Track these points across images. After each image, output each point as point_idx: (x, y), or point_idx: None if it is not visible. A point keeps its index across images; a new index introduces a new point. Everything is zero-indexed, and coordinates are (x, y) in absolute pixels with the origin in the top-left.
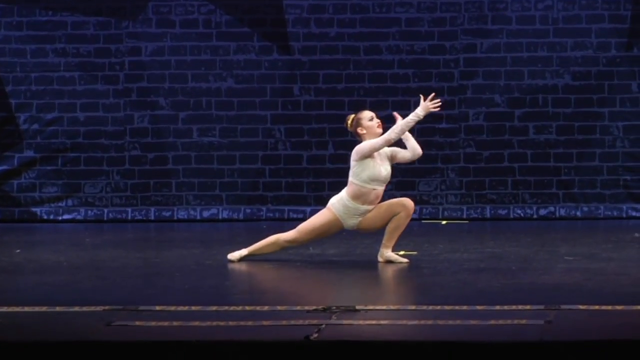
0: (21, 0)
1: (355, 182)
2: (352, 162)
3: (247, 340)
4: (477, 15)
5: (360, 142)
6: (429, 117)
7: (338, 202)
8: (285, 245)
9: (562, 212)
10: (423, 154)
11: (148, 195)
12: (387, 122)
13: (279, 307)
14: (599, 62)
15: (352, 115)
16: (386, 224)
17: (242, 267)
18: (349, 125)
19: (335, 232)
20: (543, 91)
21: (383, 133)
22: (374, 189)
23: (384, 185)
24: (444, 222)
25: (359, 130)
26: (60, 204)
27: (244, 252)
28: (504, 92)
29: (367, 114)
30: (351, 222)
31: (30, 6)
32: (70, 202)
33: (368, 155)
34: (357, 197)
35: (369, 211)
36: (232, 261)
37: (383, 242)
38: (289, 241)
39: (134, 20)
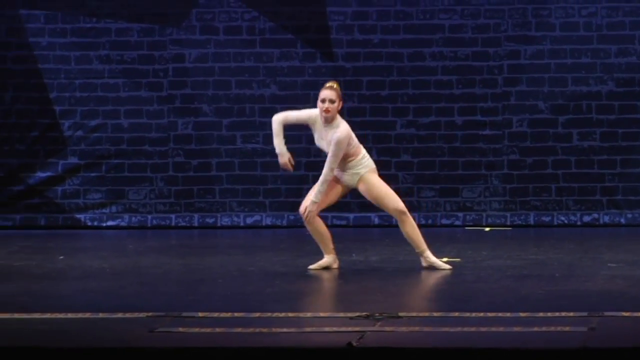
0: (65, 7)
1: None
2: None
3: (290, 346)
4: (521, 22)
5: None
6: (473, 124)
7: (354, 172)
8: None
9: (606, 219)
10: (466, 160)
11: (192, 201)
12: (430, 129)
13: (321, 314)
14: None
15: (327, 84)
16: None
17: (285, 273)
18: None
19: (339, 189)
20: (587, 98)
21: (328, 119)
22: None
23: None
24: (487, 229)
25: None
26: (104, 211)
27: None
28: (548, 99)
29: (322, 93)
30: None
31: (74, 13)
32: (114, 208)
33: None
34: None
35: (349, 171)
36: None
37: (416, 250)
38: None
39: (177, 27)
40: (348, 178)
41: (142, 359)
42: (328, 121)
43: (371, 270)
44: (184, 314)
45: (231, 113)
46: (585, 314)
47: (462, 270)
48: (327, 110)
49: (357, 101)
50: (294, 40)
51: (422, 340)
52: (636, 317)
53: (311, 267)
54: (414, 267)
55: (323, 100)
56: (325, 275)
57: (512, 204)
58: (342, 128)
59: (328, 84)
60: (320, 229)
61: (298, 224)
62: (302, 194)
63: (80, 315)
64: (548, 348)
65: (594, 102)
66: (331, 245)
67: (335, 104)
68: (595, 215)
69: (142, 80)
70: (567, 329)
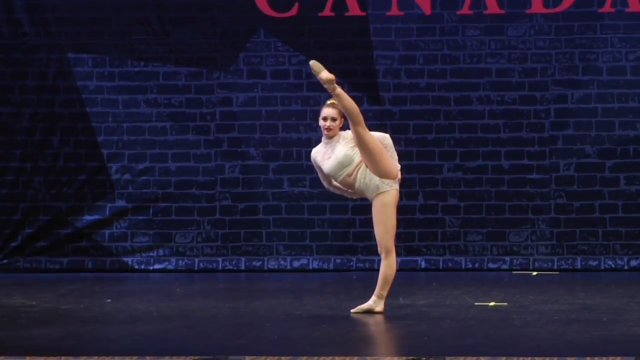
0: (113, 51)
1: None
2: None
3: None
4: (568, 66)
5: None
6: (520, 167)
7: (380, 182)
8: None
9: None
10: (513, 204)
11: (239, 245)
12: (477, 173)
13: (368, 358)
14: None
15: (327, 102)
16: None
17: (332, 317)
18: None
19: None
20: (634, 142)
21: (329, 136)
22: (342, 182)
23: (341, 173)
24: (534, 273)
25: None
26: (151, 254)
27: (377, 301)
28: (595, 143)
29: (323, 112)
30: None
31: (122, 57)
32: (161, 251)
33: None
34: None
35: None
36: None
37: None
38: (390, 249)
39: (225, 70)
40: (372, 189)
41: None
42: (329, 137)
43: (418, 314)
44: (231, 357)
45: (278, 157)
46: (632, 358)
47: (509, 315)
48: (328, 129)
49: (404, 145)
50: (340, 84)
51: None
52: None
53: (353, 310)
54: (461, 310)
55: (325, 119)
56: (372, 319)
57: (559, 248)
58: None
59: (329, 101)
60: (389, 270)
61: (344, 268)
62: (349, 237)
63: (127, 358)
64: None
65: None
66: (386, 292)
67: (337, 122)
68: None
69: (189, 123)
70: None
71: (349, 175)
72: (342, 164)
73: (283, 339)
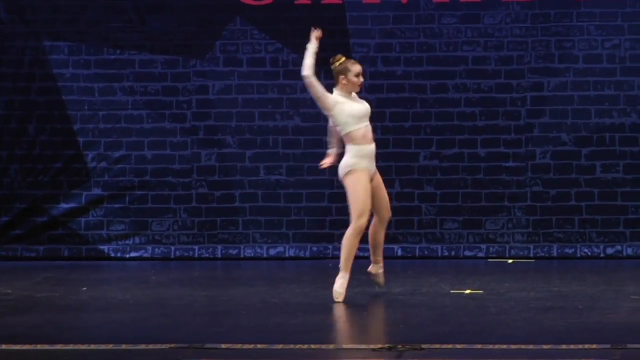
0: (89, 39)
1: (345, 132)
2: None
3: None
4: (544, 54)
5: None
6: (496, 155)
7: (349, 158)
8: (360, 232)
9: (629, 251)
10: (490, 192)
11: (215, 233)
12: (453, 161)
13: (344, 346)
14: None
15: (343, 59)
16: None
17: (308, 305)
18: (337, 64)
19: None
20: (610, 130)
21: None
22: (361, 127)
23: (367, 120)
24: (510, 261)
25: (342, 78)
26: (127, 242)
27: (343, 282)
28: (571, 131)
29: (357, 68)
30: (370, 165)
31: (98, 44)
32: (137, 239)
33: (331, 104)
34: (355, 141)
35: (373, 152)
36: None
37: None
38: (359, 226)
39: (201, 58)
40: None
41: None
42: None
43: (394, 302)
44: (207, 345)
45: (254, 144)
46: (608, 346)
47: (485, 302)
48: (361, 84)
49: (381, 133)
50: (317, 71)
51: None
52: None
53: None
54: (436, 298)
55: (358, 75)
56: (348, 307)
57: (535, 235)
58: None
59: (352, 60)
60: (353, 247)
61: (321, 256)
62: (325, 225)
63: (103, 346)
64: None
65: (617, 134)
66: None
67: None
68: (619, 248)
69: (165, 111)
70: None
71: (367, 127)
72: (367, 115)
73: (259, 327)
